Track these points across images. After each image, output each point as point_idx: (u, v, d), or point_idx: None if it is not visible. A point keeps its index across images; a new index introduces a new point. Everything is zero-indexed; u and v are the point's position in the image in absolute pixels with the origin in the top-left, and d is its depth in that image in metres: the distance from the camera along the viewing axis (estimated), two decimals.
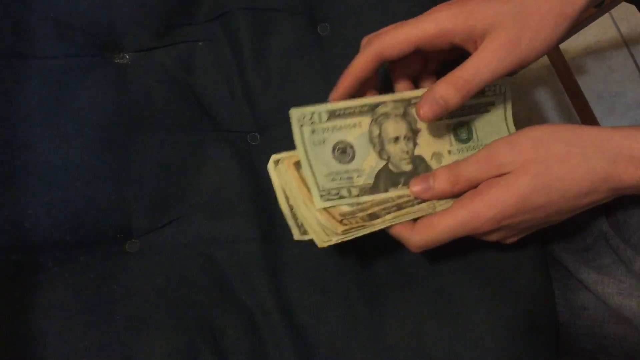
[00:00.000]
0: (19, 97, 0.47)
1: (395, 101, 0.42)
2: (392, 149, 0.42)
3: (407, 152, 0.43)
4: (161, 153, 0.49)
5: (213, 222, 0.48)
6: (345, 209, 0.40)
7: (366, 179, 0.41)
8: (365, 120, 0.42)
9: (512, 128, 0.46)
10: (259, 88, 0.52)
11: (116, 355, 0.43)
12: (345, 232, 0.38)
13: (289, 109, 0.52)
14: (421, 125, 0.44)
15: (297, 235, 0.41)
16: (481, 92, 0.44)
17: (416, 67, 0.45)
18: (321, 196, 0.40)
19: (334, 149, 0.41)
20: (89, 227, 0.46)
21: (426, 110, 0.40)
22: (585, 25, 0.89)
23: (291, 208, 0.41)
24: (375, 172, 0.42)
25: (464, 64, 0.39)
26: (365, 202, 0.41)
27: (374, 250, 0.49)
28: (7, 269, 0.43)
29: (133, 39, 0.51)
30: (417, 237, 0.40)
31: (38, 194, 0.45)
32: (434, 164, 0.43)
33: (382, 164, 0.42)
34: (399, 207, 0.41)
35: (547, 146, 0.38)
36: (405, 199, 0.42)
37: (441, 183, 0.40)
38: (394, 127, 0.42)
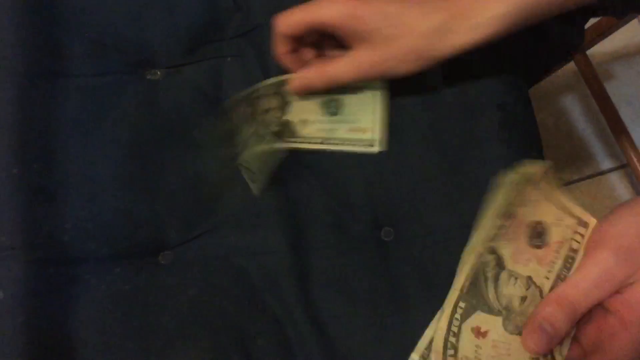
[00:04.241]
0: (56, 114, 0.49)
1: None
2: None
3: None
4: (192, 166, 0.50)
5: (243, 233, 0.49)
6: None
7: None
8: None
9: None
10: None
11: None
12: None
13: None
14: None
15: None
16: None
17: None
18: None
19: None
20: (123, 240, 0.47)
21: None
22: (613, 30, 0.88)
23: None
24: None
25: None
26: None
27: (402, 260, 0.49)
28: (45, 281, 0.45)
29: (164, 56, 0.53)
30: None
31: (75, 208, 0.47)
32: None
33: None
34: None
35: None
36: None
37: (560, 324, 0.36)
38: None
